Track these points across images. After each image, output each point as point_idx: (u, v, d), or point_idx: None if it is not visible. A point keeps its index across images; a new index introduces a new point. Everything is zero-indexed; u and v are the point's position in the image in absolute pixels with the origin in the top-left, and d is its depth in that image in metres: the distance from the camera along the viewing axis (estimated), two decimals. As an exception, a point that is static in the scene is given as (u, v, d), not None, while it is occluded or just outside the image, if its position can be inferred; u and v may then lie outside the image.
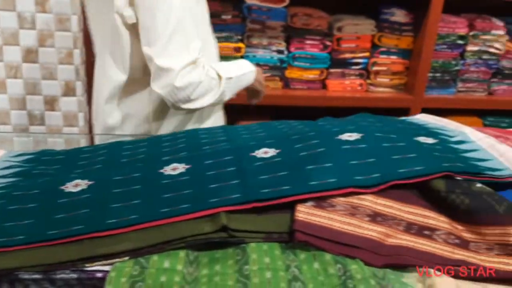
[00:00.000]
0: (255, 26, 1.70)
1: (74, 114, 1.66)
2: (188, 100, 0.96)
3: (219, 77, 1.01)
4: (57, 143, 1.24)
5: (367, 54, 1.81)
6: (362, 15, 1.80)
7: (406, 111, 1.86)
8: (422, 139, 0.74)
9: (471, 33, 1.83)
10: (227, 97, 1.06)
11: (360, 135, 0.71)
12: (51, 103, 1.65)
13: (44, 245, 0.55)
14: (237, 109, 1.85)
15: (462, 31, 1.82)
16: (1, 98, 1.61)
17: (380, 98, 1.85)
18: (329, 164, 0.65)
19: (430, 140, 0.73)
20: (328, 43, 1.76)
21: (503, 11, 1.91)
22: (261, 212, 0.60)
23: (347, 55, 1.80)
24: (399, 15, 1.77)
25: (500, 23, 1.85)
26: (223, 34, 1.67)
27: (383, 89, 1.87)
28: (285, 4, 1.67)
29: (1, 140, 1.04)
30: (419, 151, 0.68)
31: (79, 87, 1.64)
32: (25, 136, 1.35)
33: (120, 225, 0.56)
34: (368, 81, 1.86)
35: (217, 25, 1.65)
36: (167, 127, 1.10)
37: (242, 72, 1.09)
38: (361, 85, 1.85)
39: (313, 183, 0.62)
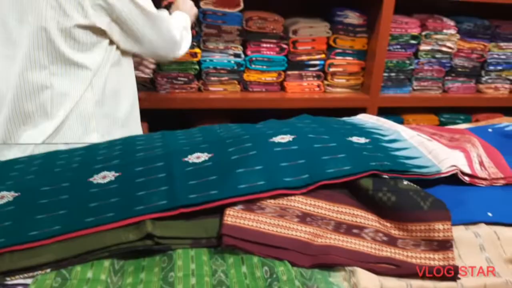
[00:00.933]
0: (211, 30, 1.70)
1: None
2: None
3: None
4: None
5: (323, 55, 1.84)
6: (316, 17, 1.82)
7: (363, 111, 1.88)
8: (354, 139, 0.75)
9: (424, 33, 1.88)
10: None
11: (293, 136, 0.72)
12: None
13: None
14: (196, 113, 1.86)
15: (415, 31, 1.87)
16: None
17: (337, 99, 1.87)
18: (259, 167, 0.65)
19: (362, 140, 0.75)
20: (284, 45, 1.78)
21: (452, 11, 1.97)
22: (190, 218, 0.61)
23: (304, 57, 1.82)
24: (352, 17, 1.80)
25: (451, 22, 1.90)
26: (178, 39, 1.67)
27: (340, 89, 1.90)
28: (240, 8, 1.68)
29: None
30: (348, 151, 0.69)
31: None
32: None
33: (42, 236, 0.55)
34: (326, 82, 1.88)
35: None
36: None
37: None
38: (318, 86, 1.88)
39: (241, 186, 0.62)
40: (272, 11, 1.76)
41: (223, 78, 1.77)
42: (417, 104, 1.98)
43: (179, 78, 1.73)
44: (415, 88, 1.97)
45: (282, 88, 1.86)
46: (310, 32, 1.79)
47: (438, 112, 2.05)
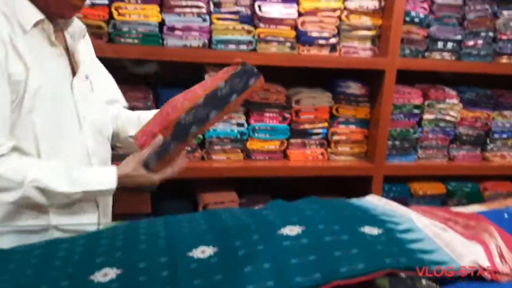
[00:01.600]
0: (215, 101, 1.71)
1: None
2: None
3: (22, 182, 0.89)
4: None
5: (326, 124, 1.84)
6: (318, 87, 1.85)
7: (368, 179, 1.87)
8: (367, 229, 0.72)
9: (426, 103, 1.89)
10: (46, 203, 0.93)
11: (302, 228, 0.69)
12: None
13: None
14: (199, 181, 1.83)
15: (417, 100, 1.88)
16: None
17: (342, 167, 1.85)
18: (268, 265, 0.62)
19: (375, 231, 0.72)
20: (287, 115, 1.79)
21: (454, 82, 2.00)
22: None
23: (307, 126, 1.83)
24: (354, 88, 1.83)
25: (453, 92, 1.92)
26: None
27: (344, 157, 1.89)
28: (243, 80, 1.70)
29: None
30: (361, 246, 0.66)
31: None
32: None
33: None
34: (329, 150, 1.87)
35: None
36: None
37: (79, 190, 0.93)
38: (322, 154, 1.87)
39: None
40: (274, 82, 1.78)
41: (226, 147, 1.77)
42: (423, 172, 1.96)
43: (182, 148, 1.72)
44: (420, 156, 1.96)
45: (285, 156, 1.85)
46: (313, 102, 1.81)
47: (445, 180, 2.02)
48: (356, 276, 0.61)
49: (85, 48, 1.12)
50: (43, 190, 0.90)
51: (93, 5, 1.53)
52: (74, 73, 1.04)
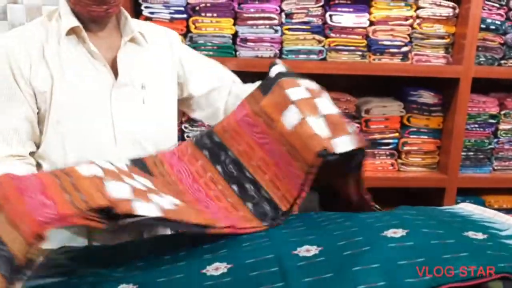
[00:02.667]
0: (285, 110, 1.73)
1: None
2: None
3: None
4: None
5: (396, 134, 1.81)
6: (389, 97, 1.83)
7: (441, 191, 1.81)
8: (471, 234, 0.70)
9: (503, 112, 1.82)
10: None
11: (406, 231, 0.68)
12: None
13: None
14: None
15: (493, 110, 1.82)
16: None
17: (413, 178, 1.81)
18: (376, 265, 0.62)
19: (479, 236, 0.70)
20: (356, 125, 1.77)
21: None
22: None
23: (377, 136, 1.80)
24: (426, 97, 1.79)
25: (531, 101, 1.84)
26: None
27: (415, 168, 1.85)
28: (313, 89, 1.71)
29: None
30: (470, 249, 0.64)
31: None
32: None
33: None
34: (400, 160, 1.83)
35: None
36: None
37: None
38: (392, 164, 1.83)
39: (361, 287, 0.59)
40: (344, 91, 1.78)
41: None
42: (499, 185, 1.88)
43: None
44: (495, 168, 1.88)
45: (354, 167, 1.83)
46: (383, 111, 1.79)
47: (523, 194, 1.93)
48: (469, 280, 0.60)
49: (150, 54, 1.06)
50: None
51: (172, 20, 1.61)
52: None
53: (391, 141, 1.81)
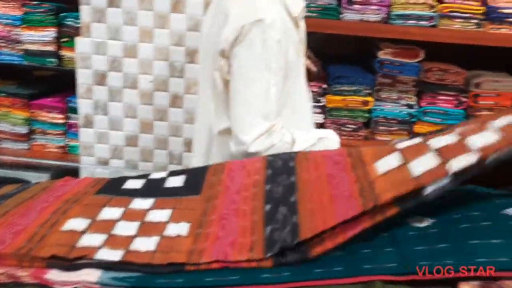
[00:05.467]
0: (386, 80, 1.67)
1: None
2: None
3: (293, 141, 0.99)
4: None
5: (508, 112, 1.67)
6: (503, 71, 1.68)
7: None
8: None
9: None
10: None
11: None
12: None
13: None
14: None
15: None
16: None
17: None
18: (498, 241, 0.58)
19: None
20: (463, 99, 1.66)
21: None
22: (416, 285, 0.56)
23: (484, 113, 1.67)
24: (548, 73, 1.62)
25: None
26: (352, 88, 1.67)
27: (525, 151, 1.69)
28: (419, 59, 1.62)
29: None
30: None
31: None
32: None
33: (274, 281, 0.55)
34: (508, 141, 1.69)
35: (346, 78, 1.66)
36: None
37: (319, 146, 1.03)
38: (499, 145, 1.70)
39: (480, 260, 0.56)
40: (454, 62, 1.67)
41: (392, 128, 1.71)
42: None
43: (347, 125, 1.71)
44: None
45: (456, 144, 1.73)
46: (495, 86, 1.65)
47: None
48: None
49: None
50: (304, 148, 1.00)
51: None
52: None
53: (500, 119, 1.67)
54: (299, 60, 1.08)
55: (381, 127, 1.71)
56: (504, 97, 1.66)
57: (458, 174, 0.58)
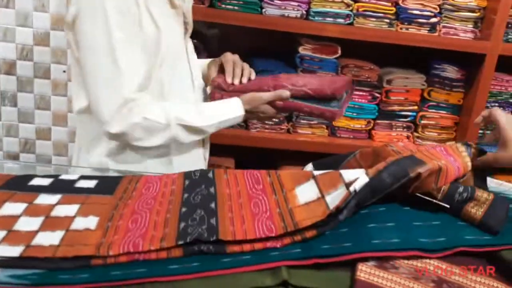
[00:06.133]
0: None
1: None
2: (135, 139, 0.94)
3: (170, 121, 0.95)
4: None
5: (415, 107, 1.80)
6: (412, 69, 1.80)
7: (454, 167, 1.81)
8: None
9: (525, 92, 1.79)
10: (187, 140, 0.99)
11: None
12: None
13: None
14: (282, 153, 1.87)
15: (516, 90, 1.79)
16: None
17: (427, 152, 1.81)
18: (391, 224, 0.63)
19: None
20: (377, 94, 1.77)
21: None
22: (320, 268, 0.59)
23: (396, 107, 1.80)
24: (450, 71, 1.76)
25: (556, 83, 1.81)
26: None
27: (430, 143, 1.84)
28: (337, 55, 1.70)
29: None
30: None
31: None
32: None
33: (182, 271, 0.56)
34: (416, 134, 1.83)
35: (269, 71, 1.69)
36: (130, 162, 1.03)
37: (213, 122, 0.99)
38: (408, 137, 1.83)
39: (375, 241, 0.60)
40: (368, 60, 1.76)
41: (312, 122, 1.78)
42: (513, 165, 1.87)
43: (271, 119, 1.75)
44: (511, 148, 1.86)
45: (370, 137, 1.84)
46: (405, 83, 1.77)
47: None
48: (483, 246, 0.61)
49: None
50: (186, 127, 0.96)
51: (199, -28, 1.58)
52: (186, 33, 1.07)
53: (409, 113, 1.81)
54: (179, 42, 1.03)
55: (302, 121, 1.77)
56: (413, 93, 1.79)
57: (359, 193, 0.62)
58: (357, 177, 0.64)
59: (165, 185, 0.74)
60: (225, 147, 1.64)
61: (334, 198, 0.64)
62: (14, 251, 0.55)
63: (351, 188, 0.62)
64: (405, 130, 1.83)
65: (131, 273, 0.54)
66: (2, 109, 1.59)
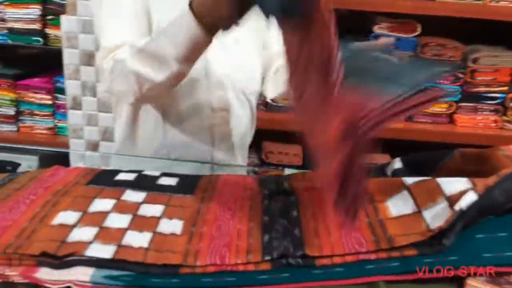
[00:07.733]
0: (381, 55, 1.62)
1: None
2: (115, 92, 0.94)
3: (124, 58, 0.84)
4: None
5: (505, 88, 1.64)
6: (502, 46, 1.64)
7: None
8: None
9: None
10: (149, 75, 0.82)
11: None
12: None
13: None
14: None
15: None
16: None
17: (517, 138, 1.66)
18: (503, 234, 0.56)
19: None
20: (460, 75, 1.63)
21: None
22: (423, 283, 0.54)
23: (482, 89, 1.65)
24: (547, 47, 1.59)
25: None
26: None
27: (521, 127, 1.68)
28: (416, 33, 1.58)
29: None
30: None
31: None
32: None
33: (272, 282, 0.53)
34: (505, 117, 1.68)
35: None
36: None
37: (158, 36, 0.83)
38: (495, 121, 1.68)
39: (486, 255, 0.54)
40: (451, 37, 1.62)
41: (387, 105, 1.68)
42: None
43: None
44: None
45: (451, 121, 1.71)
46: (493, 61, 1.62)
47: None
48: None
49: None
50: (137, 53, 0.83)
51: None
52: None
53: (497, 95, 1.65)
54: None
55: (376, 105, 1.68)
56: (502, 72, 1.63)
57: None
58: (461, 191, 0.56)
59: (244, 189, 0.72)
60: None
61: (435, 215, 0.57)
62: (107, 251, 0.55)
63: (457, 207, 0.54)
64: (492, 113, 1.67)
65: (221, 281, 0.53)
66: (83, 99, 1.65)
